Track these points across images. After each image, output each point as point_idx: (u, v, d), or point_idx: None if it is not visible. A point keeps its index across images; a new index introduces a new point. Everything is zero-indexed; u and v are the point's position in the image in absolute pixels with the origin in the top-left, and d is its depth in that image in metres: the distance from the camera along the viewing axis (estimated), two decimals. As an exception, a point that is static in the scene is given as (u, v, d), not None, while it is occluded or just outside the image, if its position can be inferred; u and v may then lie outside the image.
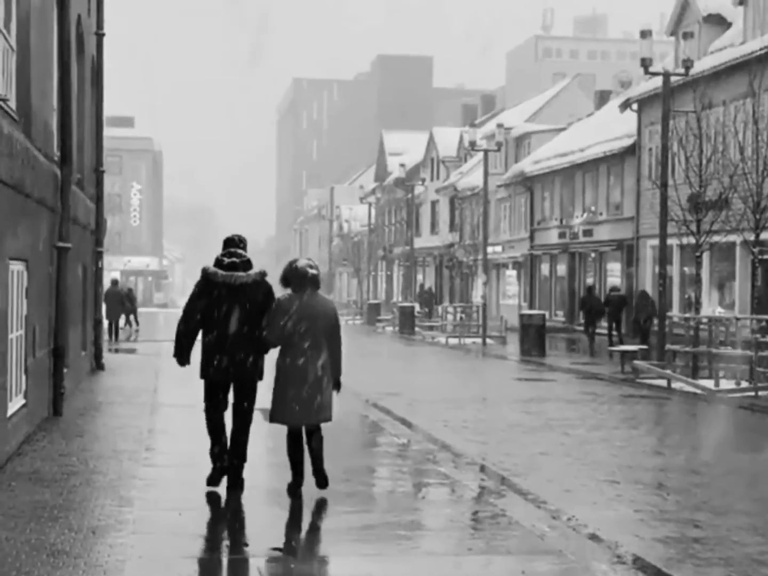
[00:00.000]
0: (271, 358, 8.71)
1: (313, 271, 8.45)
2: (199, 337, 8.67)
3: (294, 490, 8.61)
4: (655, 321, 24.64)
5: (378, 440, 12.23)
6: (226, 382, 8.66)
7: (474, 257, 43.92)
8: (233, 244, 8.75)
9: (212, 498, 8.67)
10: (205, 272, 8.61)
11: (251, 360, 8.55)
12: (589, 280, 38.18)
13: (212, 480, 8.79)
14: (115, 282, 32.65)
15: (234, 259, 8.59)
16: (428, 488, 9.38)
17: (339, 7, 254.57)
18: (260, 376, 8.72)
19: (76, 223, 14.81)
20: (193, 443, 11.65)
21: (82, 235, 16.86)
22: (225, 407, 8.80)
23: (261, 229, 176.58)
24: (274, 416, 8.56)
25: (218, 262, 8.63)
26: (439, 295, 55.32)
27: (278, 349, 8.54)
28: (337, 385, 8.84)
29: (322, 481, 8.66)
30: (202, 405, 8.89)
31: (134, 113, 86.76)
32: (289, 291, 8.54)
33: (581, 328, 31.95)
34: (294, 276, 8.46)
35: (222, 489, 8.76)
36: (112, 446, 10.86)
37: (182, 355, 8.73)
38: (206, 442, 8.95)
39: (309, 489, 8.75)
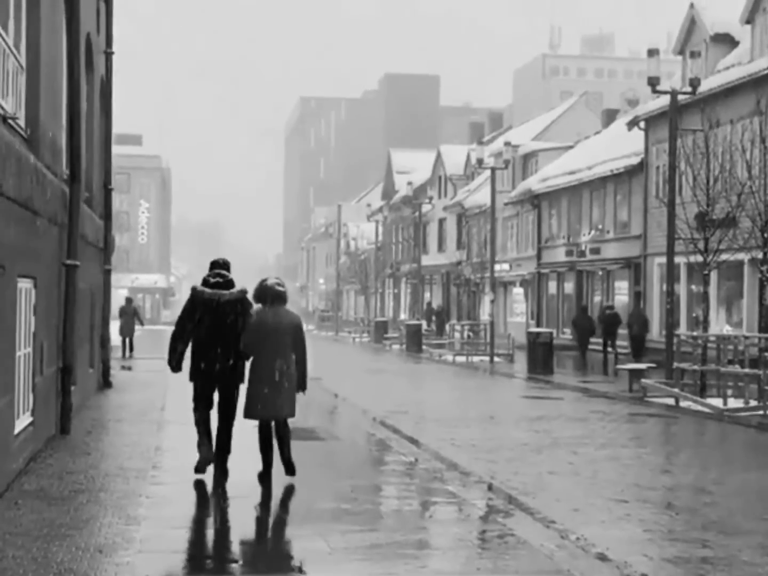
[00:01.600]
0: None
1: (280, 289, 9.81)
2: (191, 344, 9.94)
3: (264, 477, 9.83)
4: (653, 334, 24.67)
5: (385, 458, 12.20)
6: (213, 385, 9.94)
7: (481, 275, 43.91)
8: (218, 266, 10.14)
9: (220, 515, 8.66)
10: (194, 290, 9.98)
11: (234, 366, 9.88)
12: (597, 299, 38.14)
13: (199, 469, 10.00)
14: (129, 300, 33.98)
15: (219, 279, 9.96)
16: (436, 507, 9.35)
17: (346, 25, 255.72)
18: (242, 380, 9.95)
19: (84, 241, 14.85)
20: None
21: (91, 253, 16.90)
22: (211, 406, 10.08)
23: (268, 247, 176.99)
24: (247, 412, 9.80)
25: (205, 282, 9.98)
26: (445, 312, 55.31)
27: (253, 355, 9.84)
28: (303, 386, 10.04)
29: (289, 469, 9.88)
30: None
31: (142, 131, 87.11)
32: (260, 306, 9.85)
33: (597, 347, 31.91)
34: (264, 293, 9.80)
35: (208, 477, 9.64)
36: (119, 464, 10.85)
37: (175, 363, 10.06)
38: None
39: (313, 504, 8.73)
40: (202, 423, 10.06)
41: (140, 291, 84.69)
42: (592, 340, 32.28)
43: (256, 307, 9.88)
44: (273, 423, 9.85)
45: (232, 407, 10.03)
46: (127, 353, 31.09)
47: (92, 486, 9.52)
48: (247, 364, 9.94)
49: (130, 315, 32.56)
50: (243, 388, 9.93)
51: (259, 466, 9.99)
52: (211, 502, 9.40)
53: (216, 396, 10.11)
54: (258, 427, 9.87)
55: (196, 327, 9.87)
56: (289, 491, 9.77)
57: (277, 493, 9.80)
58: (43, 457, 11.03)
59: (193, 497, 9.55)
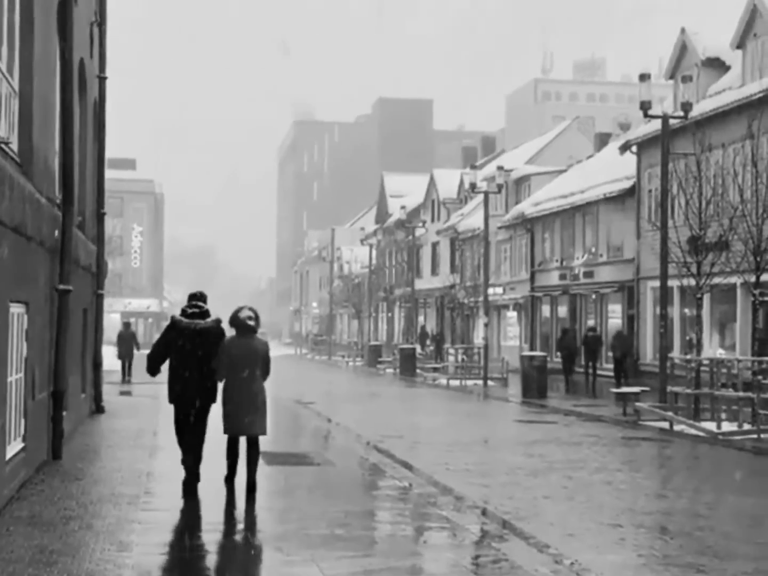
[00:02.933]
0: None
1: (251, 322, 10.82)
2: (167, 367, 10.93)
3: (228, 480, 11.03)
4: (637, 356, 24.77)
5: (379, 483, 12.15)
6: (189, 405, 10.88)
7: (475, 299, 43.91)
8: (195, 298, 11.13)
9: (212, 543, 8.61)
10: (173, 319, 11.04)
11: (207, 388, 10.84)
12: (590, 322, 38.16)
13: (187, 485, 10.80)
14: (127, 325, 34.88)
15: (195, 310, 10.94)
16: (430, 532, 9.30)
17: (339, 49, 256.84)
18: (214, 400, 10.97)
19: (77, 266, 14.83)
20: (192, 487, 11.57)
21: (83, 278, 16.87)
22: (190, 424, 10.98)
23: (262, 271, 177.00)
24: (226, 429, 10.89)
25: (183, 312, 11.01)
26: (433, 334, 55.37)
27: (226, 378, 10.84)
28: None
29: (251, 490, 10.74)
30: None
31: (136, 155, 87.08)
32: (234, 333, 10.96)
33: (581, 369, 32.25)
34: (237, 324, 10.89)
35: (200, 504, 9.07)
36: (111, 490, 10.79)
37: (154, 369, 11.14)
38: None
39: (306, 529, 8.69)
40: (183, 441, 11.03)
41: (133, 315, 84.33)
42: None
43: (229, 335, 10.97)
44: (246, 439, 10.92)
45: (204, 424, 11.05)
46: (127, 377, 31.62)
47: (84, 512, 9.47)
48: (220, 386, 10.90)
49: (128, 340, 33.09)
50: (218, 407, 10.93)
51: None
52: (203, 528, 9.34)
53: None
54: (228, 440, 11.03)
55: (175, 353, 10.79)
56: (282, 516, 9.73)
57: (270, 518, 9.76)
58: (34, 482, 10.97)
59: (185, 524, 9.50)
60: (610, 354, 31.95)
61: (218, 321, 10.97)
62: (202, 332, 10.78)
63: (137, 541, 8.31)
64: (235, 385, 10.73)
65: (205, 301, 11.13)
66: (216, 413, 10.98)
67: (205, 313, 10.96)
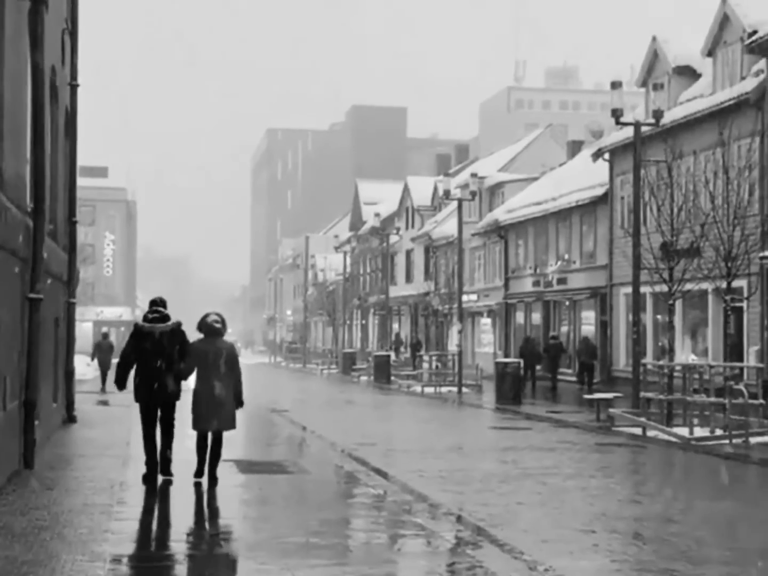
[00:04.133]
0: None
1: (218, 325, 11.77)
2: (133, 371, 11.81)
3: (198, 475, 11.79)
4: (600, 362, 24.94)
5: (353, 491, 12.12)
6: (155, 403, 11.79)
7: (449, 306, 43.98)
8: (156, 304, 12.03)
9: (185, 553, 8.56)
10: (135, 325, 11.96)
11: (171, 386, 11.72)
12: (564, 329, 38.32)
13: (148, 480, 11.74)
14: (105, 335, 35.44)
15: (156, 315, 11.85)
16: (404, 540, 9.29)
17: (313, 57, 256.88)
18: (178, 398, 11.90)
19: (48, 274, 14.72)
20: (165, 497, 11.53)
21: (55, 286, 16.75)
22: (155, 422, 11.91)
23: (235, 278, 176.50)
24: (194, 425, 11.78)
25: (145, 317, 11.94)
26: (408, 342, 55.41)
27: (196, 378, 11.67)
28: (240, 403, 11.91)
29: (212, 481, 11.64)
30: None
31: (108, 163, 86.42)
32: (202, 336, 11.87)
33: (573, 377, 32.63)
34: (205, 327, 11.82)
35: (174, 513, 9.02)
36: (84, 500, 10.70)
37: (121, 383, 11.91)
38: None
39: (281, 538, 8.66)
40: (148, 439, 11.88)
41: (105, 324, 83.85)
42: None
43: (198, 337, 11.86)
44: (211, 434, 11.76)
45: (171, 420, 11.97)
46: (103, 387, 31.44)
47: (55, 522, 9.39)
48: (186, 385, 11.89)
49: (107, 350, 33.33)
50: (185, 405, 11.83)
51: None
52: (176, 538, 9.28)
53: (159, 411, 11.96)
54: (197, 436, 11.85)
55: (140, 355, 11.72)
56: (256, 525, 9.69)
57: (244, 526, 9.72)
58: (5, 492, 10.86)
59: (158, 533, 9.44)
60: (582, 359, 32.66)
61: (178, 323, 11.85)
62: (163, 334, 11.71)
63: (109, 552, 8.24)
64: (204, 385, 11.63)
65: (165, 306, 12.02)
66: (186, 411, 11.84)
67: (165, 317, 11.86)
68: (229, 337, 12.10)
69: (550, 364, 33.47)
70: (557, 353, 33.79)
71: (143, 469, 11.95)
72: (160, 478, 11.87)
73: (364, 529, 9.90)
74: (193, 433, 11.94)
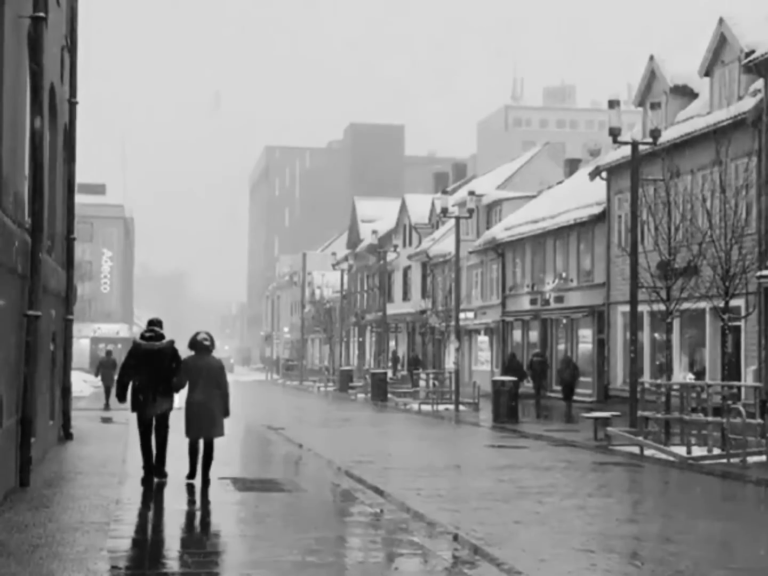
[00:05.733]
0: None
1: (207, 343, 13.16)
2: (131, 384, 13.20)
3: (189, 477, 13.15)
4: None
5: (350, 509, 12.09)
6: (151, 413, 13.19)
7: (446, 323, 43.94)
8: (153, 324, 13.51)
9: (180, 570, 8.53)
10: (134, 342, 13.57)
11: (165, 398, 13.15)
12: (561, 347, 38.29)
13: (145, 482, 13.12)
14: (109, 353, 35.77)
15: (152, 334, 13.33)
16: (401, 558, 9.25)
17: (311, 75, 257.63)
18: (171, 407, 13.33)
19: (46, 291, 14.71)
20: (161, 515, 11.51)
21: (52, 303, 16.74)
22: (150, 430, 13.30)
23: (233, 296, 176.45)
24: (187, 433, 13.09)
25: (142, 336, 13.46)
26: (405, 359, 55.37)
27: (188, 390, 13.03)
28: (226, 413, 13.23)
29: (205, 482, 12.92)
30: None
31: (106, 180, 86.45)
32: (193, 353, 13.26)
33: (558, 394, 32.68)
34: (195, 345, 13.19)
35: (168, 532, 8.85)
36: (80, 517, 10.67)
37: (121, 396, 13.39)
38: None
39: (277, 556, 8.62)
40: (145, 446, 13.27)
41: (102, 341, 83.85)
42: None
43: (189, 354, 13.17)
44: (202, 440, 13.07)
45: (165, 427, 13.38)
46: (107, 404, 31.70)
47: (52, 540, 9.35)
48: (177, 397, 13.27)
49: (110, 367, 33.45)
50: (179, 414, 13.14)
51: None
52: (172, 555, 9.25)
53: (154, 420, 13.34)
54: (189, 443, 13.17)
55: (136, 370, 13.10)
56: (252, 543, 9.65)
57: (241, 545, 9.68)
58: (1, 510, 10.83)
59: (154, 550, 9.40)
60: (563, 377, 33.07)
61: (172, 342, 13.30)
62: (158, 351, 13.12)
63: (106, 569, 8.21)
64: (195, 396, 12.94)
65: (161, 326, 13.50)
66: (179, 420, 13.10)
67: (160, 336, 13.31)
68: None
69: (533, 381, 33.85)
70: (542, 370, 34.14)
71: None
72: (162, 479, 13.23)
73: (361, 548, 9.86)
74: (186, 440, 13.20)
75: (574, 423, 27.63)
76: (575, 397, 32.06)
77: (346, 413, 35.13)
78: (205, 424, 12.95)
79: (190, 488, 12.85)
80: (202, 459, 13.08)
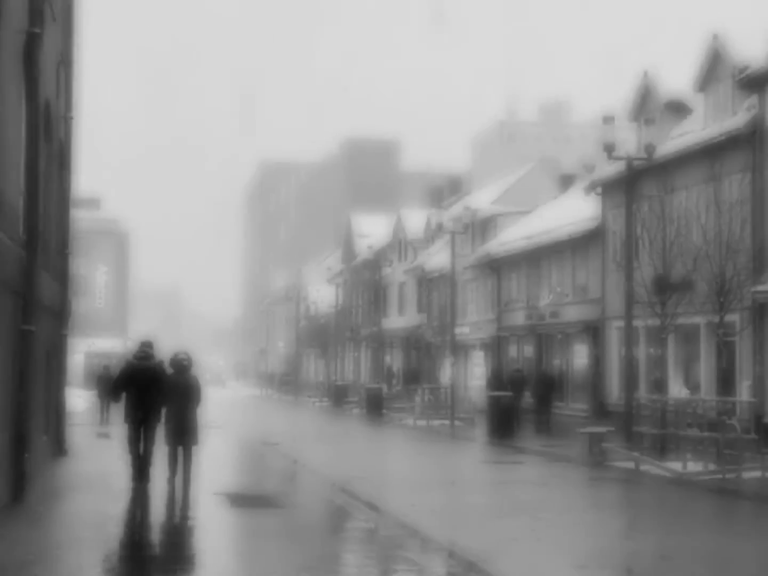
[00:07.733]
0: None
1: (185, 362, 14.71)
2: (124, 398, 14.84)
3: (170, 481, 14.40)
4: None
5: (345, 525, 12.06)
6: (139, 425, 14.68)
7: (442, 338, 43.90)
8: (144, 345, 15.19)
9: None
10: (126, 362, 15.30)
11: (153, 412, 14.64)
12: (557, 362, 38.28)
13: (134, 480, 14.58)
14: (106, 368, 36.33)
15: (143, 354, 14.98)
16: (396, 575, 9.23)
17: (307, 90, 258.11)
18: (159, 421, 14.75)
19: (41, 306, 14.69)
20: (155, 531, 11.47)
21: (47, 318, 16.71)
22: (139, 440, 14.73)
23: (227, 310, 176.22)
24: (166, 442, 14.53)
25: (134, 356, 15.05)
26: (399, 375, 55.30)
27: (168, 404, 14.50)
28: (200, 424, 14.76)
29: (186, 483, 14.24)
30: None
31: (101, 195, 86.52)
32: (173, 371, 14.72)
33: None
34: (175, 364, 14.73)
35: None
36: (74, 533, 10.63)
37: (116, 396, 15.02)
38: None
39: (272, 573, 8.60)
40: (133, 453, 14.68)
41: (97, 356, 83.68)
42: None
43: (169, 372, 14.68)
44: (181, 448, 14.45)
45: (152, 438, 14.76)
46: (105, 417, 31.76)
47: (46, 556, 9.32)
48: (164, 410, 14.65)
49: (107, 382, 33.12)
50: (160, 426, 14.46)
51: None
52: (164, 571, 9.22)
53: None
54: (168, 450, 14.56)
55: (127, 387, 14.68)
56: (247, 560, 9.62)
57: (235, 561, 9.65)
58: (-5, 526, 10.78)
59: (149, 568, 9.37)
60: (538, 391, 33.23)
61: (161, 362, 14.93)
62: (148, 370, 14.68)
63: (99, 587, 8.17)
64: (173, 409, 14.47)
65: (152, 348, 15.13)
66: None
67: (150, 356, 14.98)
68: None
69: (514, 394, 34.16)
70: (521, 384, 34.22)
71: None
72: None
73: (356, 564, 9.84)
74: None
75: (569, 439, 27.58)
76: (564, 412, 32.12)
77: (340, 428, 35.08)
78: (182, 434, 14.43)
79: (171, 482, 14.32)
80: (183, 463, 14.43)
